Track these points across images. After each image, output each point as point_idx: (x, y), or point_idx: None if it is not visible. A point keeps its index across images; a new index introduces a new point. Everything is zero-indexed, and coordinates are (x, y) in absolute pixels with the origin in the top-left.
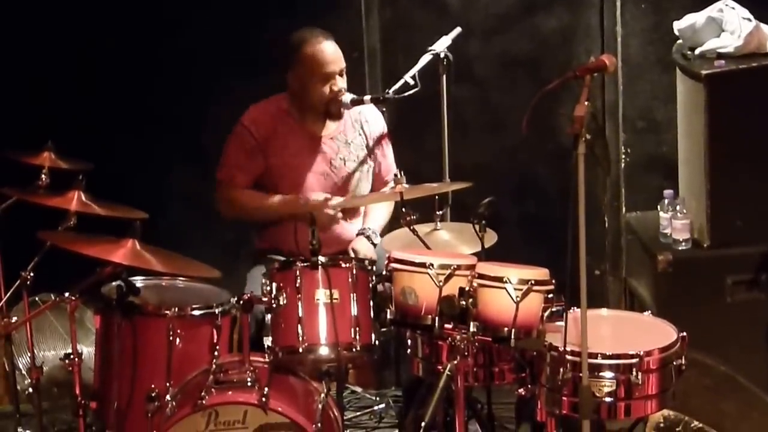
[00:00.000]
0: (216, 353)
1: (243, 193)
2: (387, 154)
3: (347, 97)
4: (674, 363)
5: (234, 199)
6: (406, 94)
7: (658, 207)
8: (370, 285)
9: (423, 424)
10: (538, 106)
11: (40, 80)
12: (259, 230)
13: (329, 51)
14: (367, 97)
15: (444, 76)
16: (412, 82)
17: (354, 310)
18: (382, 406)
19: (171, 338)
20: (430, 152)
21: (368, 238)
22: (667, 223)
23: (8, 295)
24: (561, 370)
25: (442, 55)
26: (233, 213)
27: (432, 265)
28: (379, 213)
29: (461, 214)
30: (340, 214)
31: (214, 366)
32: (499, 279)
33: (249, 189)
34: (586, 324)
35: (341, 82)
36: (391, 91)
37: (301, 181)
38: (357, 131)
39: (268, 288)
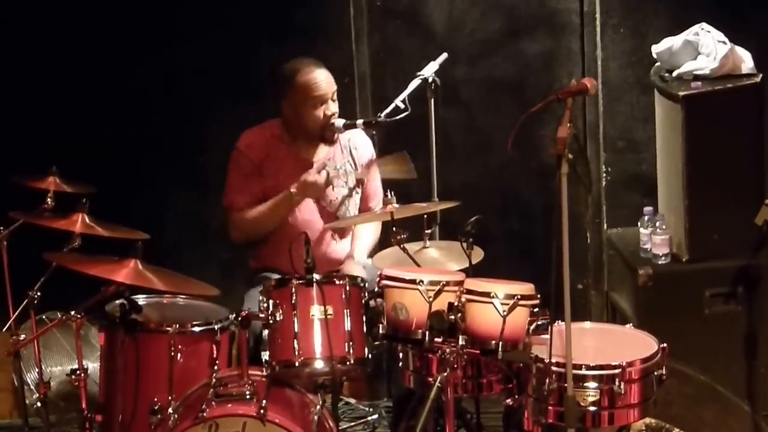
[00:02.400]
0: (216, 368)
1: (246, 212)
2: (374, 179)
3: (340, 122)
4: (655, 373)
5: (241, 220)
6: (397, 117)
7: (638, 223)
8: (363, 301)
9: None
10: (522, 127)
11: (44, 108)
12: (254, 250)
13: (321, 77)
14: (360, 121)
15: (432, 100)
16: (402, 106)
17: (347, 326)
18: (376, 416)
19: (172, 353)
20: (419, 173)
21: (355, 261)
22: (647, 238)
23: (16, 313)
24: (547, 380)
25: (429, 80)
26: (244, 234)
27: (422, 281)
28: (366, 237)
29: (449, 232)
30: (325, 176)
31: (214, 380)
32: (487, 294)
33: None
34: (571, 336)
35: (333, 107)
36: (383, 115)
37: None
38: (346, 157)
39: (265, 305)
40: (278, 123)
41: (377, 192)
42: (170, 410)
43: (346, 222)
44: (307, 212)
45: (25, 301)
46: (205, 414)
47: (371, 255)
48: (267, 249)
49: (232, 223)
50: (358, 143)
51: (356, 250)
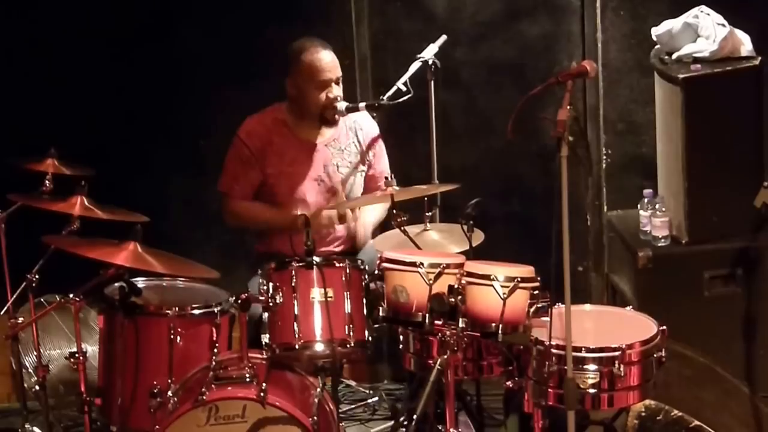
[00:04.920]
0: (215, 350)
1: (242, 205)
2: (380, 159)
3: (342, 105)
4: (655, 355)
5: (234, 210)
6: (400, 100)
7: (638, 205)
8: (363, 284)
9: (415, 416)
10: (522, 110)
11: (42, 89)
12: (258, 235)
13: (326, 60)
14: (362, 104)
15: (432, 82)
16: (404, 89)
17: (348, 308)
18: (376, 399)
19: (172, 336)
20: (420, 155)
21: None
22: (646, 220)
23: (15, 296)
24: (547, 363)
25: (430, 62)
26: (237, 222)
27: (422, 264)
28: (372, 212)
29: (450, 214)
30: (336, 214)
31: (213, 363)
32: (487, 277)
33: (249, 200)
34: (570, 319)
35: (337, 90)
36: (385, 98)
37: (297, 188)
38: (351, 138)
39: (265, 287)
40: (282, 106)
41: (384, 173)
42: (170, 393)
43: (348, 204)
44: (311, 193)
45: (24, 284)
46: (204, 397)
47: (373, 236)
48: (273, 233)
49: (226, 210)
50: (363, 124)
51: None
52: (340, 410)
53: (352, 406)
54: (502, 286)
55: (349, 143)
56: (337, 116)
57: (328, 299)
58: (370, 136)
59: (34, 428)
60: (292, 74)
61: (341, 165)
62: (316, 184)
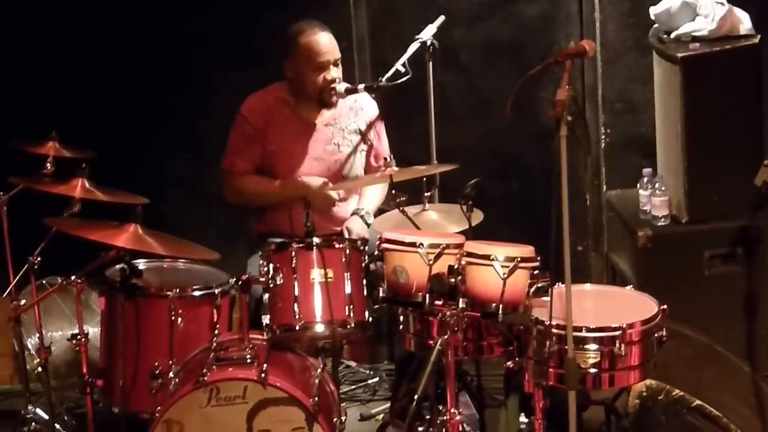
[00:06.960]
0: (216, 332)
1: (245, 179)
2: (381, 139)
3: (342, 87)
4: (655, 334)
5: (237, 186)
6: (398, 81)
7: (638, 185)
8: (363, 264)
9: (416, 396)
10: (520, 90)
11: (43, 73)
12: (257, 214)
13: (324, 42)
14: (361, 86)
15: (430, 63)
16: (403, 70)
17: (348, 289)
18: (376, 379)
19: (173, 318)
20: (418, 136)
21: (362, 218)
22: (646, 200)
23: (17, 279)
24: (547, 343)
25: (428, 43)
26: (238, 199)
27: (422, 244)
28: (374, 194)
29: (449, 194)
30: (338, 195)
31: (214, 344)
32: (487, 257)
33: (251, 175)
34: (571, 298)
35: (335, 72)
36: (384, 79)
37: (298, 166)
38: (352, 118)
39: (265, 269)
40: (283, 85)
41: (384, 152)
42: (171, 374)
43: (346, 186)
44: (312, 172)
45: (26, 266)
46: (205, 378)
47: (374, 216)
48: (270, 213)
49: (228, 186)
50: (364, 104)
51: (362, 204)
52: (340, 391)
53: (353, 387)
54: (502, 266)
55: (351, 122)
56: (335, 98)
57: (328, 280)
58: (371, 116)
59: (37, 409)
60: (290, 57)
61: (342, 144)
62: (317, 163)
